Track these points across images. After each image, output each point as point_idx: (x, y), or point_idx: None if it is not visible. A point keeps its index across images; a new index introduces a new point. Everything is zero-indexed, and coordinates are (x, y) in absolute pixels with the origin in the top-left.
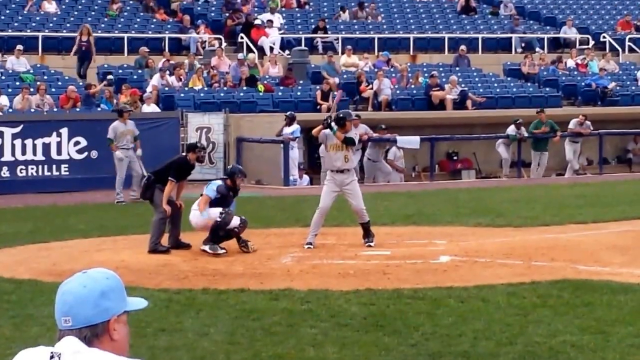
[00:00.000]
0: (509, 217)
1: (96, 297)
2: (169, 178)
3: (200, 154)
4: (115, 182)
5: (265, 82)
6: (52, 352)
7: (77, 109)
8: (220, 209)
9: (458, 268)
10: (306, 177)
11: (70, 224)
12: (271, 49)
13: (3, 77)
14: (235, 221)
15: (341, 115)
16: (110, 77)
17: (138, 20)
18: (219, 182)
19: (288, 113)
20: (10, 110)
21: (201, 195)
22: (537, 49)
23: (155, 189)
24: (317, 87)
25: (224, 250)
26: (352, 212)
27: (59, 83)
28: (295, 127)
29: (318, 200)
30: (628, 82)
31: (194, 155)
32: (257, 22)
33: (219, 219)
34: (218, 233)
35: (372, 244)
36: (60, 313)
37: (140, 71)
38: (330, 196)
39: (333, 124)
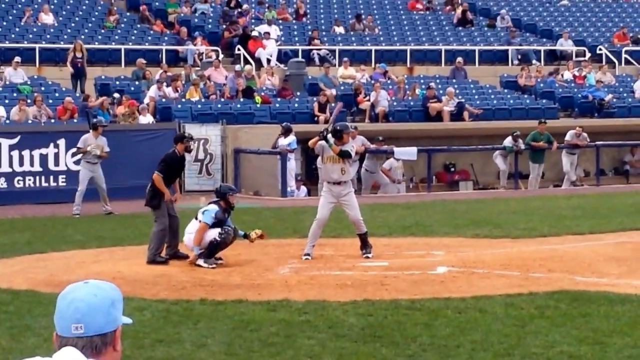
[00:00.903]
0: (506, 228)
1: (108, 306)
2: (156, 171)
3: (187, 143)
4: (75, 194)
5: (262, 93)
6: None
7: (75, 120)
8: (218, 230)
9: (456, 279)
10: (304, 188)
11: (67, 234)
12: (268, 60)
13: (0, 89)
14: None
15: (338, 127)
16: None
17: (135, 32)
18: (215, 208)
19: (284, 124)
20: (8, 121)
21: (196, 219)
22: (534, 61)
23: (150, 193)
24: (315, 98)
25: (220, 261)
26: (350, 223)
27: (56, 94)
28: (292, 138)
29: (316, 212)
30: (624, 94)
31: (182, 146)
32: (254, 34)
33: (218, 239)
34: (215, 251)
35: (369, 255)
36: (71, 320)
37: (137, 83)
38: (327, 207)
39: (329, 136)
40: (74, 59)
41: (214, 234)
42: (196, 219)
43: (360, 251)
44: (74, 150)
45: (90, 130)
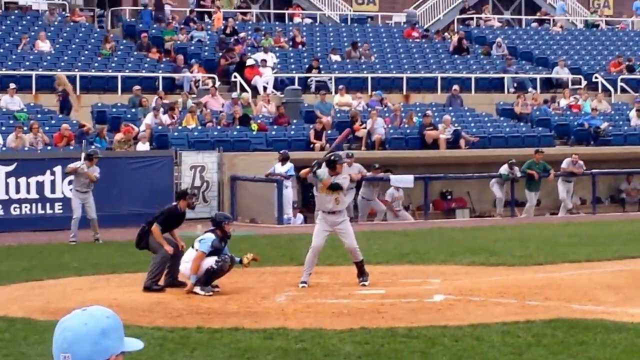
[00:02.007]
0: (503, 256)
1: (96, 335)
2: (155, 223)
3: (190, 200)
4: (71, 222)
5: (258, 121)
6: None
7: (71, 147)
8: (215, 258)
9: (452, 307)
10: (300, 216)
11: (63, 262)
12: (265, 88)
13: None
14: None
15: (332, 157)
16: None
17: (132, 59)
18: (212, 237)
19: (282, 151)
20: (4, 148)
21: (192, 247)
22: (530, 89)
23: (149, 237)
24: (311, 126)
25: (217, 289)
26: (346, 251)
27: (53, 122)
28: (289, 165)
29: (311, 239)
30: (620, 122)
31: (184, 203)
32: (250, 61)
33: (214, 266)
34: (212, 278)
35: (366, 283)
36: (59, 350)
37: (133, 110)
38: (322, 235)
39: (319, 170)
40: (57, 94)
41: (210, 261)
42: (193, 247)
43: (357, 279)
44: (67, 171)
45: (84, 160)
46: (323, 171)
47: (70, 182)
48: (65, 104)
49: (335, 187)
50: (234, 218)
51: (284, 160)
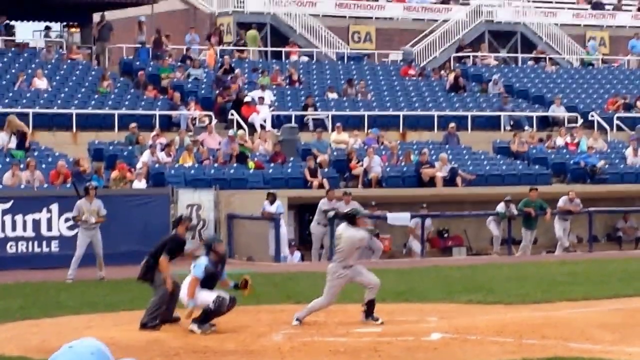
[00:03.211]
0: (500, 294)
1: None
2: (163, 254)
3: (187, 223)
4: (72, 259)
5: (255, 159)
6: None
7: (67, 185)
8: (213, 295)
9: (449, 345)
10: (297, 253)
11: (60, 300)
12: (262, 126)
13: None
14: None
15: (350, 212)
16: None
17: (128, 97)
18: (205, 262)
19: (269, 191)
20: (1, 186)
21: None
22: (526, 127)
23: (155, 270)
24: (307, 163)
25: (214, 327)
26: (367, 289)
27: (49, 159)
28: (277, 203)
29: (309, 277)
30: (617, 160)
31: (182, 228)
32: (247, 99)
33: (212, 307)
34: (209, 318)
35: (380, 321)
36: None
37: (130, 147)
38: (338, 292)
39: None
40: (13, 133)
41: (209, 299)
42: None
43: (365, 318)
44: (71, 220)
45: (83, 196)
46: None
47: (72, 224)
48: (21, 145)
49: (373, 233)
50: (231, 255)
51: (273, 199)
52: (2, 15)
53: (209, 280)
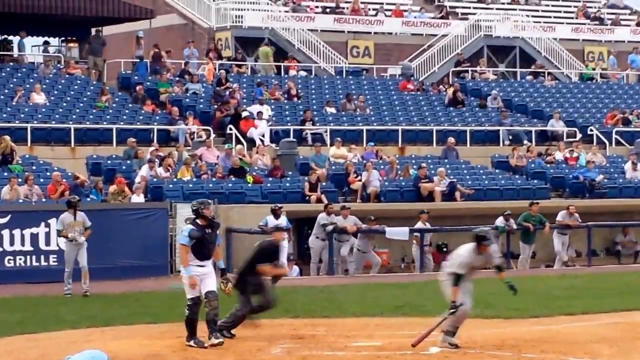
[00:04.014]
0: (498, 308)
1: None
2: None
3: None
4: (64, 274)
5: (254, 173)
6: None
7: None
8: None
9: None
10: (296, 268)
11: (59, 314)
12: (261, 140)
13: None
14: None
15: (480, 234)
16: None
17: (127, 111)
18: (189, 227)
19: (274, 206)
20: None
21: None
22: (525, 142)
23: (246, 281)
24: (305, 178)
25: (219, 340)
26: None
27: (48, 174)
28: (284, 218)
29: (308, 291)
30: (615, 175)
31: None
32: (245, 113)
33: (186, 315)
34: (190, 328)
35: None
36: None
37: (129, 162)
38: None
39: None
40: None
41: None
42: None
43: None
44: (57, 233)
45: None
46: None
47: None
48: (6, 159)
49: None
50: (229, 269)
51: (277, 215)
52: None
53: (199, 246)
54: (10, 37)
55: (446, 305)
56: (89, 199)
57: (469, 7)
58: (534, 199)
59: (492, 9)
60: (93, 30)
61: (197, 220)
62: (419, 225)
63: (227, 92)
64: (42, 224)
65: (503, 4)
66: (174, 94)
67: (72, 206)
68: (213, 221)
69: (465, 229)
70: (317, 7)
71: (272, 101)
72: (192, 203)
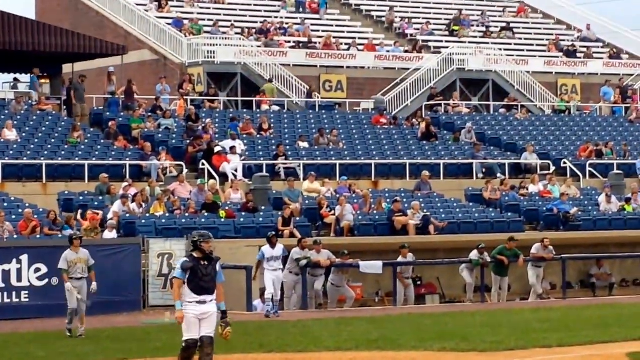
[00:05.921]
0: (473, 341)
1: None
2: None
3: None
4: (67, 312)
5: (227, 208)
6: None
7: (37, 236)
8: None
9: None
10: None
11: (30, 351)
12: (234, 175)
13: None
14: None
15: None
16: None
17: (99, 147)
18: (182, 259)
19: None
20: None
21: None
22: (499, 175)
23: None
24: (279, 213)
25: None
26: None
27: (19, 210)
28: (280, 246)
29: (280, 326)
30: (590, 207)
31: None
32: (218, 148)
33: (179, 354)
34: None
35: None
36: None
37: (101, 197)
38: None
39: None
40: None
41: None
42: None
43: None
44: (61, 272)
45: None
46: None
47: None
48: None
49: None
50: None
51: (272, 243)
52: None
53: (192, 277)
54: None
55: (421, 339)
56: (60, 235)
57: (442, 41)
58: (508, 232)
59: (464, 42)
60: (66, 67)
61: (193, 253)
62: (400, 259)
63: (201, 127)
64: (14, 260)
65: (475, 37)
66: (146, 130)
67: (72, 243)
68: (210, 255)
69: (439, 262)
70: (289, 42)
71: (245, 136)
72: (192, 234)
